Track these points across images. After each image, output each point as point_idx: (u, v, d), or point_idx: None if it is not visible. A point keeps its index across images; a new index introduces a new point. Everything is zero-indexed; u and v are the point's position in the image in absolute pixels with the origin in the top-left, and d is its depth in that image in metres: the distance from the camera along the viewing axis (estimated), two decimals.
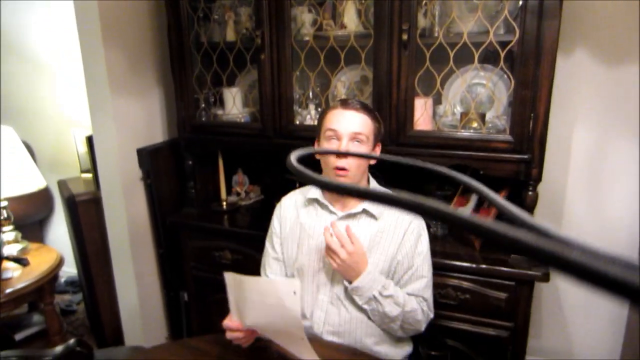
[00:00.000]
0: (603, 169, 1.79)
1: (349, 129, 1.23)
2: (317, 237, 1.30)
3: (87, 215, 2.16)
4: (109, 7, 1.77)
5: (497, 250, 1.58)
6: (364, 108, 1.27)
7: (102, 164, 1.95)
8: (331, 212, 1.32)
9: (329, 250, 1.17)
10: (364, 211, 1.29)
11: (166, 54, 1.94)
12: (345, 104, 1.27)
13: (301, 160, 0.34)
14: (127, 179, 1.95)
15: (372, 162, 1.34)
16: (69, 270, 2.89)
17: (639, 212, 1.77)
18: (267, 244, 1.42)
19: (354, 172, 1.25)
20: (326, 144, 1.27)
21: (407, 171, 1.57)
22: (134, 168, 1.97)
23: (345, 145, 1.23)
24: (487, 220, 0.23)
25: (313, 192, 1.36)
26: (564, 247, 0.21)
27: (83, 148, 2.47)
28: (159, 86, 2.09)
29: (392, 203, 0.27)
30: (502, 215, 0.28)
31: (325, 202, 1.32)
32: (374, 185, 1.38)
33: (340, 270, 1.20)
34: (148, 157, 1.95)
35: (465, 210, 1.72)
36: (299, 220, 1.35)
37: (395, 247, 1.27)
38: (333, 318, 1.28)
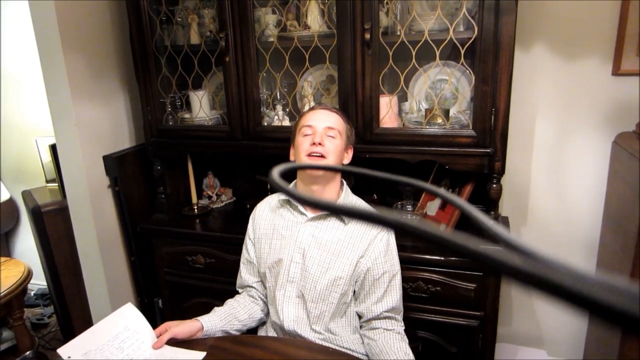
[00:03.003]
0: (564, 160, 1.86)
1: (323, 124, 1.33)
2: (290, 236, 1.34)
3: (54, 226, 2.11)
4: (67, 10, 1.73)
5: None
6: (337, 109, 1.41)
7: (67, 173, 1.90)
8: (301, 213, 1.36)
9: None
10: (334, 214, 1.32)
11: (130, 58, 1.91)
12: (320, 105, 1.43)
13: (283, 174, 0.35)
14: (94, 187, 1.91)
15: (346, 161, 1.40)
16: (39, 282, 2.81)
17: (602, 200, 1.84)
18: (243, 247, 1.47)
19: (331, 159, 1.31)
20: (302, 140, 1.33)
21: (375, 165, 1.59)
22: (101, 175, 1.94)
23: (319, 136, 1.30)
24: (463, 238, 0.24)
25: None
26: (548, 269, 0.21)
27: (47, 157, 2.40)
28: (123, 91, 2.05)
29: (362, 218, 0.27)
30: (475, 226, 0.29)
31: (296, 204, 1.36)
32: (346, 192, 1.41)
33: None
34: (115, 164, 1.92)
35: (435, 210, 1.76)
36: (272, 222, 1.40)
37: (361, 252, 1.29)
38: (300, 311, 1.31)
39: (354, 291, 1.33)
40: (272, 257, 1.36)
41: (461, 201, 0.33)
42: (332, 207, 0.31)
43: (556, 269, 0.21)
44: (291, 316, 1.30)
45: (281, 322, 1.31)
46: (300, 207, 1.36)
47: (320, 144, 1.29)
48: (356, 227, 1.32)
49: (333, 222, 1.34)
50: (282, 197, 1.40)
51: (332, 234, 1.32)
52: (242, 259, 1.47)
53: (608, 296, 0.19)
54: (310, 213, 1.35)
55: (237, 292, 1.47)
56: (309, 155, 1.29)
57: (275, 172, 0.34)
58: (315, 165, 1.31)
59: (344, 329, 1.33)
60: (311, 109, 1.41)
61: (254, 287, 1.43)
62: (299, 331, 1.30)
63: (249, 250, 1.44)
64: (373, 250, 1.30)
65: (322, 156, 1.29)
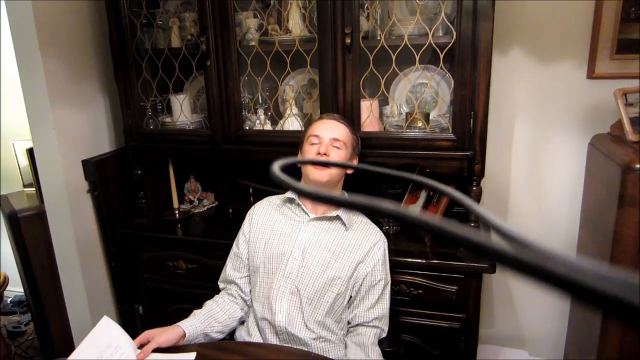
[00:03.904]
0: (542, 162, 1.89)
1: (330, 134, 1.38)
2: (290, 233, 1.37)
3: (31, 231, 2.07)
4: (45, 11, 1.70)
5: (446, 245, 1.63)
6: (344, 120, 1.45)
7: (44, 177, 1.86)
8: (304, 212, 1.40)
9: None
10: (338, 217, 1.38)
11: (109, 61, 1.88)
12: (328, 115, 1.48)
13: (283, 169, 0.36)
14: (73, 192, 1.87)
15: (349, 171, 1.46)
16: (15, 289, 2.75)
17: (579, 200, 1.88)
18: (235, 242, 1.49)
19: (333, 172, 1.36)
20: (309, 148, 1.39)
21: (360, 173, 1.59)
22: (80, 180, 1.90)
23: (325, 146, 1.36)
24: (472, 231, 0.24)
25: (291, 192, 1.43)
26: (546, 259, 0.21)
27: (25, 161, 2.36)
28: (103, 94, 2.02)
29: (364, 209, 0.29)
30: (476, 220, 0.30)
31: (300, 203, 1.41)
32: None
33: None
34: (94, 168, 1.89)
35: (416, 209, 1.77)
36: (273, 219, 1.43)
37: (360, 257, 1.34)
38: (293, 307, 1.31)
39: (350, 296, 1.35)
40: (268, 251, 1.37)
41: (469, 201, 0.35)
42: (336, 199, 0.31)
43: (551, 258, 0.21)
44: (284, 312, 1.30)
45: (273, 318, 1.30)
46: (304, 207, 1.40)
47: (325, 154, 1.35)
48: (357, 234, 1.38)
49: (335, 225, 1.38)
50: (285, 196, 1.44)
51: (334, 236, 1.36)
52: (230, 254, 1.48)
53: (599, 283, 0.19)
54: (312, 214, 1.39)
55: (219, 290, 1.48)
56: (314, 164, 1.35)
57: (276, 167, 0.34)
58: (316, 161, 1.38)
59: (335, 332, 1.34)
60: (320, 118, 1.47)
61: (236, 284, 1.43)
62: (291, 328, 1.29)
63: (239, 245, 1.45)
64: (372, 257, 1.35)
65: (326, 166, 1.35)
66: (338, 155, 1.37)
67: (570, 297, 0.21)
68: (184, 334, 1.24)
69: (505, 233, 0.27)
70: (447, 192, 0.37)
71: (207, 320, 1.33)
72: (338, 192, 1.43)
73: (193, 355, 1.16)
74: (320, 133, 1.39)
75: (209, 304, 1.39)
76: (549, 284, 0.21)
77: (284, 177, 0.33)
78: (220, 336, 1.36)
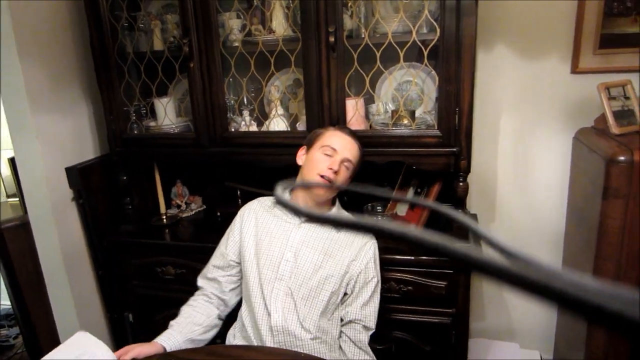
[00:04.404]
0: (528, 156, 1.90)
1: (344, 153, 1.39)
2: (281, 235, 1.37)
3: (15, 243, 2.03)
4: (23, 16, 1.67)
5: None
6: (358, 139, 1.45)
7: (28, 187, 1.83)
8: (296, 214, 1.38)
9: None
10: None
11: (91, 65, 1.85)
12: (344, 129, 1.47)
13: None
14: (57, 201, 1.84)
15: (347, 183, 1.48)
16: (2, 303, 2.70)
17: (565, 195, 1.90)
18: (222, 239, 1.48)
19: (337, 185, 1.39)
20: (321, 157, 1.38)
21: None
22: (64, 188, 1.87)
23: (338, 164, 1.37)
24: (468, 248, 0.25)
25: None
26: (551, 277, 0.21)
27: (7, 171, 2.31)
28: (85, 100, 1.99)
29: (351, 227, 0.30)
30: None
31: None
32: (338, 207, 1.52)
33: None
34: (78, 176, 1.86)
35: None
36: (264, 220, 1.42)
37: (352, 256, 1.35)
38: (288, 309, 1.31)
39: (345, 294, 1.36)
40: (259, 253, 1.37)
41: (447, 210, 0.38)
42: (327, 219, 0.34)
43: (535, 269, 0.22)
44: (279, 312, 1.30)
45: (269, 319, 1.30)
46: None
47: (336, 172, 1.36)
48: (347, 234, 1.39)
49: (326, 226, 1.39)
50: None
51: (325, 237, 1.37)
52: (216, 252, 1.47)
53: (579, 293, 0.20)
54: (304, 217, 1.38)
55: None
56: (322, 175, 1.36)
57: (280, 189, 0.37)
58: (315, 184, 1.41)
59: (330, 332, 1.34)
60: (340, 128, 1.47)
61: (218, 282, 1.43)
62: (287, 329, 1.29)
63: (227, 245, 1.44)
64: (364, 255, 1.36)
65: (330, 181, 1.37)
66: (344, 176, 1.39)
67: (546, 303, 0.21)
68: (164, 350, 1.25)
69: (504, 249, 0.28)
70: (446, 212, 0.39)
71: (187, 327, 1.33)
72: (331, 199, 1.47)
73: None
74: (337, 147, 1.38)
75: (185, 310, 1.40)
76: (528, 292, 0.21)
77: (291, 203, 0.35)
78: (207, 336, 1.37)
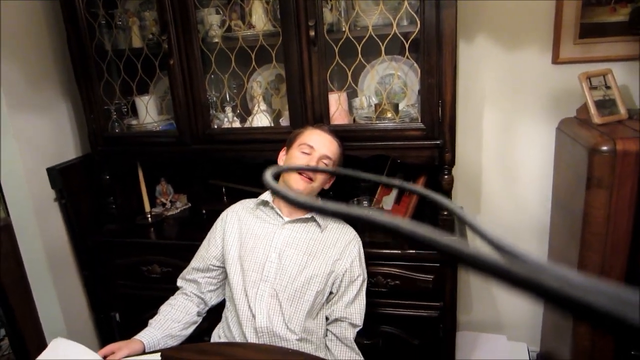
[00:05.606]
0: (512, 148, 1.90)
1: (323, 151, 1.39)
2: (265, 236, 1.37)
3: None
4: None
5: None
6: (337, 138, 1.46)
7: (8, 188, 1.80)
8: (278, 215, 1.40)
9: None
10: (313, 219, 1.39)
11: (69, 64, 1.82)
12: (323, 127, 1.48)
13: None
14: (39, 202, 1.82)
15: (327, 186, 1.49)
16: None
17: (549, 187, 1.90)
18: (204, 242, 1.48)
19: (317, 184, 1.40)
20: (299, 155, 1.38)
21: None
22: (46, 189, 1.84)
23: (315, 160, 1.37)
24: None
25: (265, 195, 1.45)
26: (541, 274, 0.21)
27: None
28: (65, 98, 1.96)
29: (340, 216, 0.30)
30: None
31: (274, 206, 1.41)
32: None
33: None
34: (60, 176, 1.83)
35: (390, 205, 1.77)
36: (247, 221, 1.42)
37: (337, 255, 1.35)
38: (273, 310, 1.30)
39: (331, 293, 1.36)
40: (243, 255, 1.36)
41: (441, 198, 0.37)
42: (318, 207, 0.32)
43: (522, 263, 0.22)
44: (264, 313, 1.29)
45: (253, 320, 1.29)
46: (278, 210, 1.40)
47: (311, 169, 1.38)
48: (331, 234, 1.39)
49: (310, 227, 1.39)
50: (259, 199, 1.43)
51: (309, 237, 1.37)
52: (197, 254, 1.47)
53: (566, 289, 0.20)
54: (288, 217, 1.39)
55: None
56: (300, 174, 1.37)
57: (269, 174, 0.36)
58: (301, 168, 1.43)
59: (316, 332, 1.34)
60: (319, 127, 1.47)
61: (198, 283, 1.42)
62: (272, 330, 1.28)
63: (208, 247, 1.44)
64: (349, 254, 1.36)
65: (310, 179, 1.37)
66: (323, 174, 1.40)
67: (533, 298, 0.21)
68: (144, 346, 1.26)
69: (491, 240, 0.27)
70: (436, 198, 0.39)
71: (166, 324, 1.34)
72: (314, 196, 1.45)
73: (157, 356, 1.17)
74: (315, 145, 1.39)
75: (163, 309, 1.40)
76: (517, 288, 0.21)
77: (279, 188, 0.33)
78: (186, 332, 1.37)
